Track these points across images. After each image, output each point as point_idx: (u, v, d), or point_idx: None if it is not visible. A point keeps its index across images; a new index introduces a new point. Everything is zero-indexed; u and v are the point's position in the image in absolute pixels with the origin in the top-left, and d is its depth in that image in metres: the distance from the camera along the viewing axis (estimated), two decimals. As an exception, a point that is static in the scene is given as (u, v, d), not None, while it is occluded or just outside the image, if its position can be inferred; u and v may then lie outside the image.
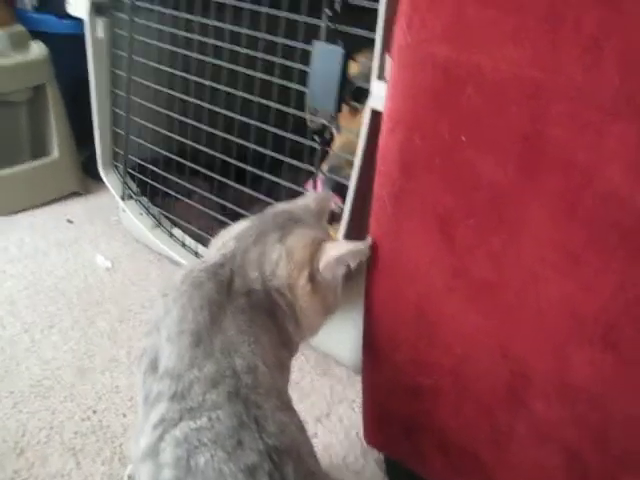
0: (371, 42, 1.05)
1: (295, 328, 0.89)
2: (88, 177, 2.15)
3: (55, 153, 2.05)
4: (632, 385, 0.76)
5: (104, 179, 1.78)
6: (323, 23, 1.16)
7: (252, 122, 1.38)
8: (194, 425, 0.70)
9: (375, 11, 1.02)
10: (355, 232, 1.18)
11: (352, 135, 1.25)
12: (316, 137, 1.26)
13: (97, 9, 1.59)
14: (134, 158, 1.71)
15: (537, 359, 0.83)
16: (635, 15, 0.66)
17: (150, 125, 1.62)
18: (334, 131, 1.42)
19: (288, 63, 1.27)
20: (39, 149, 2.06)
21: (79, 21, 1.64)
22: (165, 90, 1.56)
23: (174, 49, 1.51)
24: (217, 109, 1.44)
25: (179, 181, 1.61)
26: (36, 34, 2.02)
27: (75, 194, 2.12)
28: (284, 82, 1.29)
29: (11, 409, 1.26)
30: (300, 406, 1.34)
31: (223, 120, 1.45)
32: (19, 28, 1.99)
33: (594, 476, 0.84)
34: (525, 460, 0.91)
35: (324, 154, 1.28)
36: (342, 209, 1.22)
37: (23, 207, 1.99)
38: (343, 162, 1.29)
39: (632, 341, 0.74)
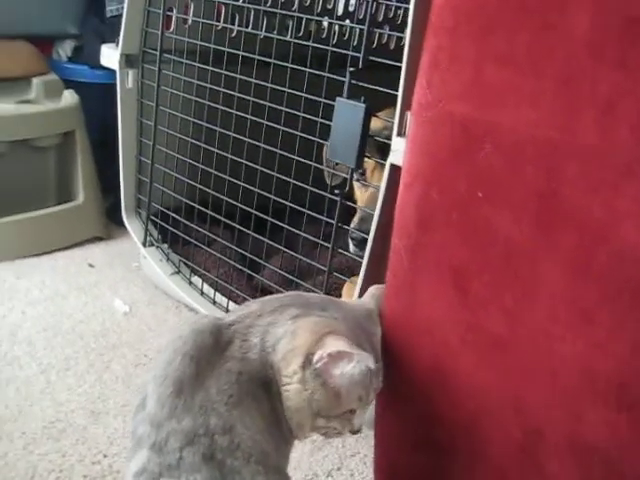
0: (393, 99, 1.08)
1: (285, 420, 0.82)
2: (111, 222, 2.19)
3: (80, 198, 2.09)
4: (646, 448, 0.75)
5: (127, 225, 1.81)
6: (346, 79, 1.20)
7: (274, 173, 1.41)
8: None
9: (397, 68, 1.05)
10: (371, 285, 1.19)
11: (377, 190, 1.27)
12: (336, 190, 1.28)
13: (127, 61, 1.64)
14: (157, 205, 1.74)
15: (550, 417, 0.82)
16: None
17: (174, 174, 1.65)
18: (355, 185, 1.45)
19: (311, 117, 1.30)
20: (65, 193, 2.11)
21: (109, 71, 1.70)
22: (190, 140, 1.60)
23: (200, 100, 1.55)
24: (240, 160, 1.47)
25: (200, 229, 1.63)
26: (69, 83, 2.09)
27: (97, 239, 2.15)
28: (306, 135, 1.32)
29: (22, 450, 1.26)
30: (311, 459, 1.33)
31: (245, 170, 1.48)
32: (53, 77, 2.06)
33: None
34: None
35: (344, 207, 1.30)
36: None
37: (46, 250, 2.02)
38: (370, 217, 1.31)
39: (646, 403, 0.73)
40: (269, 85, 1.39)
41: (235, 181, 1.50)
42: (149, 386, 0.78)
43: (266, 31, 1.57)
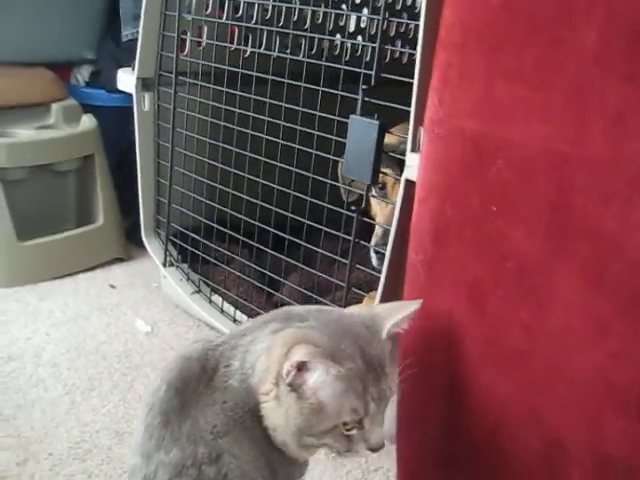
0: (406, 114, 1.09)
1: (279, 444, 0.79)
2: (131, 243, 2.21)
3: (100, 220, 2.11)
4: (668, 458, 0.75)
5: (146, 246, 1.83)
6: (359, 97, 1.21)
7: (290, 191, 1.42)
8: None
9: (409, 84, 1.06)
10: (390, 300, 1.19)
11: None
12: (353, 207, 1.29)
13: (144, 84, 1.67)
14: (176, 226, 1.76)
15: (572, 428, 0.82)
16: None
17: (192, 194, 1.67)
18: (373, 200, 1.46)
19: (325, 135, 1.32)
20: (85, 216, 2.13)
21: (126, 95, 1.73)
22: (206, 160, 1.62)
23: (215, 121, 1.57)
24: (257, 179, 1.49)
25: (219, 248, 1.65)
26: (87, 107, 2.13)
27: (118, 260, 2.17)
28: (321, 153, 1.34)
29: (49, 471, 1.27)
30: (335, 474, 1.33)
31: (262, 189, 1.49)
32: (72, 102, 2.09)
33: None
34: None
35: (361, 224, 1.31)
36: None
37: (68, 272, 2.04)
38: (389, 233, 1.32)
39: (666, 412, 0.74)
40: (283, 104, 1.40)
41: (252, 200, 1.52)
42: (139, 416, 0.78)
43: (279, 50, 1.60)
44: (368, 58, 1.64)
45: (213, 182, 1.61)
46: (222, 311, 1.66)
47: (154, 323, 1.82)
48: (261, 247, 1.52)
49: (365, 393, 0.76)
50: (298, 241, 1.44)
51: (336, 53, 1.89)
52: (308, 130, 1.36)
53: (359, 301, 1.47)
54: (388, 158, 1.22)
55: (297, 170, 1.40)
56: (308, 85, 1.35)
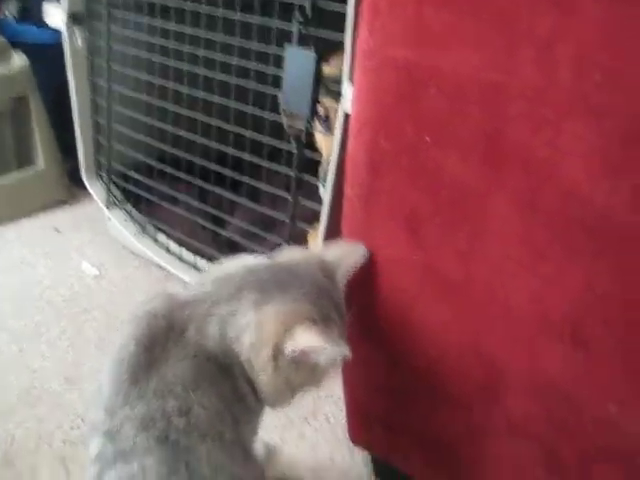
0: (343, 45, 1.06)
1: (253, 395, 0.82)
2: (75, 185, 2.16)
3: (40, 163, 2.06)
4: (601, 380, 0.77)
5: (88, 188, 1.80)
6: (294, 28, 1.18)
7: (229, 127, 1.39)
8: (127, 470, 0.70)
9: (345, 14, 1.04)
10: (334, 233, 1.19)
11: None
12: (292, 140, 1.27)
13: (74, 19, 1.60)
14: (117, 166, 1.72)
15: (509, 356, 0.84)
16: (586, 18, 0.67)
17: (131, 133, 1.63)
18: (318, 136, 1.43)
19: (262, 68, 1.28)
20: (24, 159, 2.07)
21: (58, 31, 1.65)
22: (144, 98, 1.57)
23: (151, 57, 1.52)
24: (195, 115, 1.46)
25: (160, 188, 1.62)
26: (17, 45, 2.03)
27: (62, 203, 2.13)
28: (259, 87, 1.30)
29: (-1, 419, 1.27)
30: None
31: (201, 125, 1.46)
32: (0, 39, 2.00)
33: (570, 469, 0.85)
34: (503, 454, 0.92)
35: (303, 158, 1.29)
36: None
37: (10, 218, 2.00)
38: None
39: (600, 337, 0.75)
40: (218, 38, 1.36)
41: (191, 136, 1.48)
42: (105, 371, 0.77)
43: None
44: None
45: (152, 119, 1.57)
46: (168, 250, 1.64)
47: (101, 265, 1.80)
48: (202, 184, 1.50)
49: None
50: (240, 177, 1.42)
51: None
52: (244, 63, 1.32)
53: (305, 233, 1.46)
54: (329, 89, 1.19)
55: (235, 105, 1.37)
56: (242, 16, 1.30)
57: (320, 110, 1.27)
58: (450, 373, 0.91)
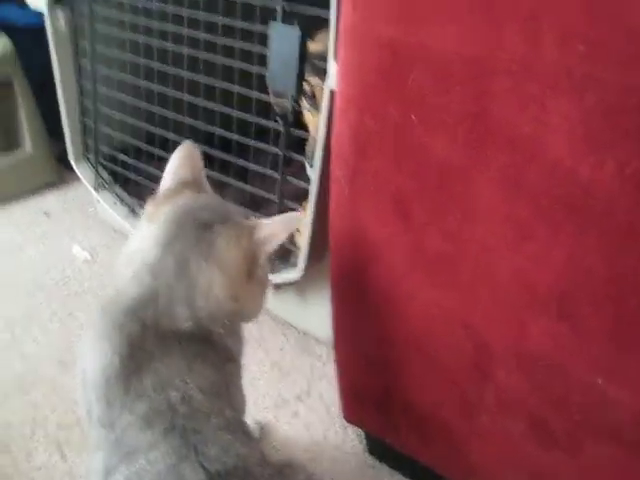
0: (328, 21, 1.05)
1: (236, 338, 0.85)
2: (64, 168, 2.14)
3: (28, 146, 2.04)
4: (588, 354, 0.77)
5: (76, 171, 1.78)
6: (278, 5, 1.16)
7: (215, 107, 1.38)
8: (133, 468, 0.69)
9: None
10: (323, 211, 1.19)
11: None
12: (279, 119, 1.26)
13: (56, 0, 1.58)
14: (105, 148, 1.71)
15: (497, 331, 0.84)
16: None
17: (117, 114, 1.62)
18: (305, 113, 1.42)
19: (247, 46, 1.27)
20: (11, 143, 2.05)
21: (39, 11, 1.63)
22: (129, 79, 1.56)
23: (134, 38, 1.50)
24: (181, 95, 1.44)
25: (149, 169, 1.61)
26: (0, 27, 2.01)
27: (51, 186, 2.11)
28: (244, 65, 1.29)
29: (-7, 405, 1.28)
30: (280, 385, 1.36)
31: (188, 106, 1.45)
32: (-19, 22, 1.98)
33: (559, 441, 0.86)
34: (494, 428, 0.93)
35: (290, 136, 1.28)
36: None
37: (-1, 202, 1.99)
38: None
39: (585, 311, 0.75)
40: (201, 16, 1.34)
41: (178, 117, 1.47)
42: (90, 395, 0.76)
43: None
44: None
45: (138, 100, 1.55)
46: (159, 232, 1.64)
47: (92, 249, 1.79)
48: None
49: None
50: (228, 157, 1.41)
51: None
52: (229, 42, 1.31)
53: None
54: (316, 67, 1.18)
55: (220, 83, 1.36)
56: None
57: (306, 88, 1.26)
58: (441, 347, 0.91)
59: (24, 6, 1.91)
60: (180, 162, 0.90)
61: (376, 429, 1.14)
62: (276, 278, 1.34)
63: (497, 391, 0.89)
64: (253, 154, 1.39)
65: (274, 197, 1.35)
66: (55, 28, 1.61)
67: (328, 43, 1.06)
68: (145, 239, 0.82)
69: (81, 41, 1.62)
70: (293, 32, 1.14)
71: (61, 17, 1.60)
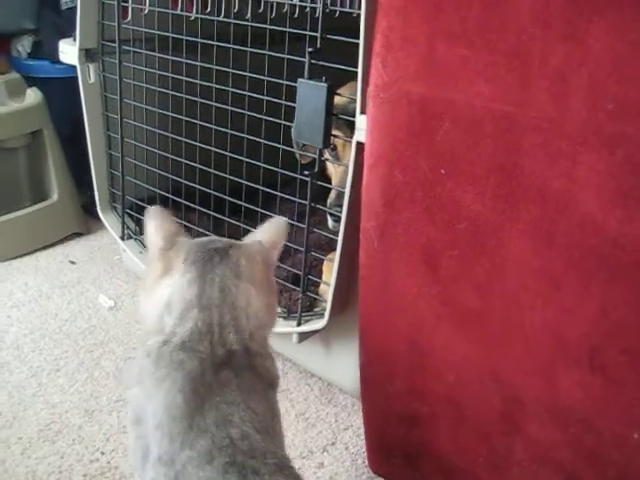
0: (355, 73, 1.07)
1: (272, 361, 0.87)
2: (89, 217, 2.18)
3: (55, 196, 2.08)
4: (622, 406, 0.77)
5: (103, 220, 1.81)
6: (306, 60, 1.19)
7: (243, 158, 1.40)
8: None
9: (357, 44, 1.05)
10: (349, 262, 1.20)
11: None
12: (306, 171, 1.28)
13: (87, 55, 1.63)
14: (131, 198, 1.74)
15: (527, 383, 0.84)
16: (597, 48, 0.68)
17: (145, 165, 1.65)
18: (328, 164, 1.45)
19: (274, 100, 1.30)
20: (39, 192, 2.09)
21: (71, 65, 1.68)
22: (157, 130, 1.59)
23: (163, 90, 1.54)
24: (208, 147, 1.47)
25: (175, 218, 1.63)
26: (31, 80, 2.06)
27: (77, 235, 2.14)
28: (272, 119, 1.32)
29: (20, 455, 1.27)
30: (305, 436, 1.35)
31: (215, 157, 1.48)
32: (15, 76, 2.03)
33: (593, 496, 0.86)
34: (525, 482, 0.92)
35: (316, 187, 1.30)
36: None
37: (26, 251, 2.02)
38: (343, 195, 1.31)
39: (618, 363, 0.75)
40: (230, 70, 1.38)
41: (206, 168, 1.50)
42: (151, 436, 0.77)
43: (225, 12, 1.56)
44: (316, 15, 1.62)
45: (165, 152, 1.59)
46: (183, 281, 1.65)
47: (117, 297, 1.81)
48: (217, 215, 1.51)
49: None
50: (254, 208, 1.43)
51: (284, 10, 1.85)
52: (256, 95, 1.34)
53: (320, 262, 1.47)
54: (337, 119, 1.21)
55: (248, 136, 1.39)
56: (254, 50, 1.32)
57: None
58: (470, 399, 0.91)
59: (54, 60, 1.98)
60: (159, 221, 0.92)
61: (404, 481, 1.13)
62: (302, 327, 1.35)
63: (528, 444, 0.88)
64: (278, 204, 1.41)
65: (300, 248, 1.36)
66: (86, 81, 1.65)
67: (353, 97, 1.08)
68: (176, 281, 0.83)
69: (109, 94, 1.66)
70: (320, 87, 1.17)
71: (92, 71, 1.64)
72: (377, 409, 1.06)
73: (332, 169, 1.48)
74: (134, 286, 1.85)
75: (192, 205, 1.56)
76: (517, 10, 0.73)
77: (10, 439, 1.31)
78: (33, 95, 2.00)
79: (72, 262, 1.99)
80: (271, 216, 1.41)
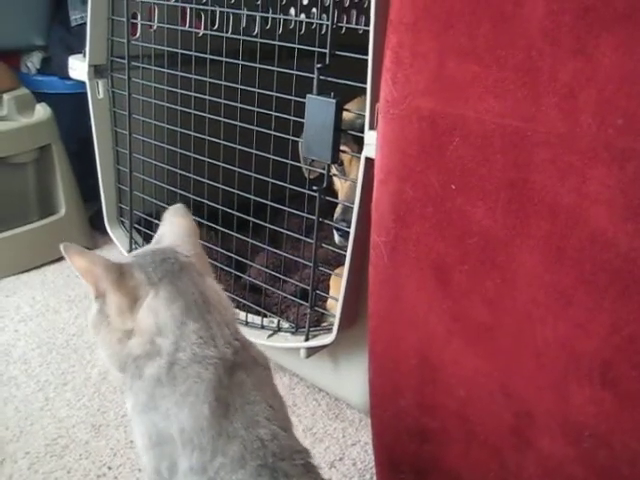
0: (363, 88, 1.08)
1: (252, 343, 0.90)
2: (97, 232, 2.19)
3: (62, 210, 2.09)
4: (635, 421, 0.77)
5: (111, 235, 1.81)
6: (315, 76, 1.20)
7: (251, 173, 1.41)
8: None
9: (364, 60, 1.06)
10: (357, 276, 1.20)
11: (355, 182, 1.27)
12: (314, 186, 1.29)
13: (96, 71, 1.64)
14: (139, 213, 1.74)
15: (539, 398, 0.84)
16: (607, 65, 0.68)
17: (153, 180, 1.65)
18: (335, 179, 1.45)
19: (283, 115, 1.31)
20: (47, 207, 2.10)
21: (80, 81, 1.69)
22: (165, 146, 1.60)
23: (171, 106, 1.55)
24: (217, 162, 1.48)
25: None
26: (40, 95, 2.08)
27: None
28: (280, 134, 1.33)
29: (27, 470, 1.27)
30: (313, 451, 1.33)
31: (223, 172, 1.48)
32: (24, 91, 2.04)
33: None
34: (536, 498, 0.92)
35: (324, 202, 1.31)
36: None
37: (33, 265, 2.03)
38: (352, 209, 1.31)
39: (630, 378, 0.75)
40: (239, 86, 1.39)
41: (214, 183, 1.50)
42: (179, 449, 0.77)
43: (232, 28, 1.57)
44: (324, 31, 1.63)
45: (173, 167, 1.59)
46: (191, 296, 1.65)
47: (124, 311, 1.80)
48: (225, 230, 1.51)
49: None
50: (262, 223, 1.44)
51: (291, 27, 1.87)
52: (265, 111, 1.35)
53: (327, 277, 1.48)
54: (344, 135, 1.21)
55: (257, 152, 1.39)
56: (263, 66, 1.33)
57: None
58: (481, 414, 0.91)
59: (64, 77, 2.00)
60: (88, 257, 0.88)
61: (413, 498, 1.13)
62: (310, 342, 1.35)
63: (540, 459, 0.88)
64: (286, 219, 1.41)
65: (306, 261, 1.36)
66: (95, 97, 1.66)
67: (361, 112, 1.09)
68: (154, 304, 0.82)
69: (118, 110, 1.67)
70: (329, 103, 1.18)
71: (101, 87, 1.66)
72: (387, 424, 1.06)
73: (339, 184, 1.49)
74: (141, 301, 1.85)
75: (200, 220, 1.56)
76: (526, 26, 0.73)
77: (17, 453, 1.31)
78: (42, 111, 2.02)
79: (79, 276, 1.99)
80: (280, 232, 1.45)
